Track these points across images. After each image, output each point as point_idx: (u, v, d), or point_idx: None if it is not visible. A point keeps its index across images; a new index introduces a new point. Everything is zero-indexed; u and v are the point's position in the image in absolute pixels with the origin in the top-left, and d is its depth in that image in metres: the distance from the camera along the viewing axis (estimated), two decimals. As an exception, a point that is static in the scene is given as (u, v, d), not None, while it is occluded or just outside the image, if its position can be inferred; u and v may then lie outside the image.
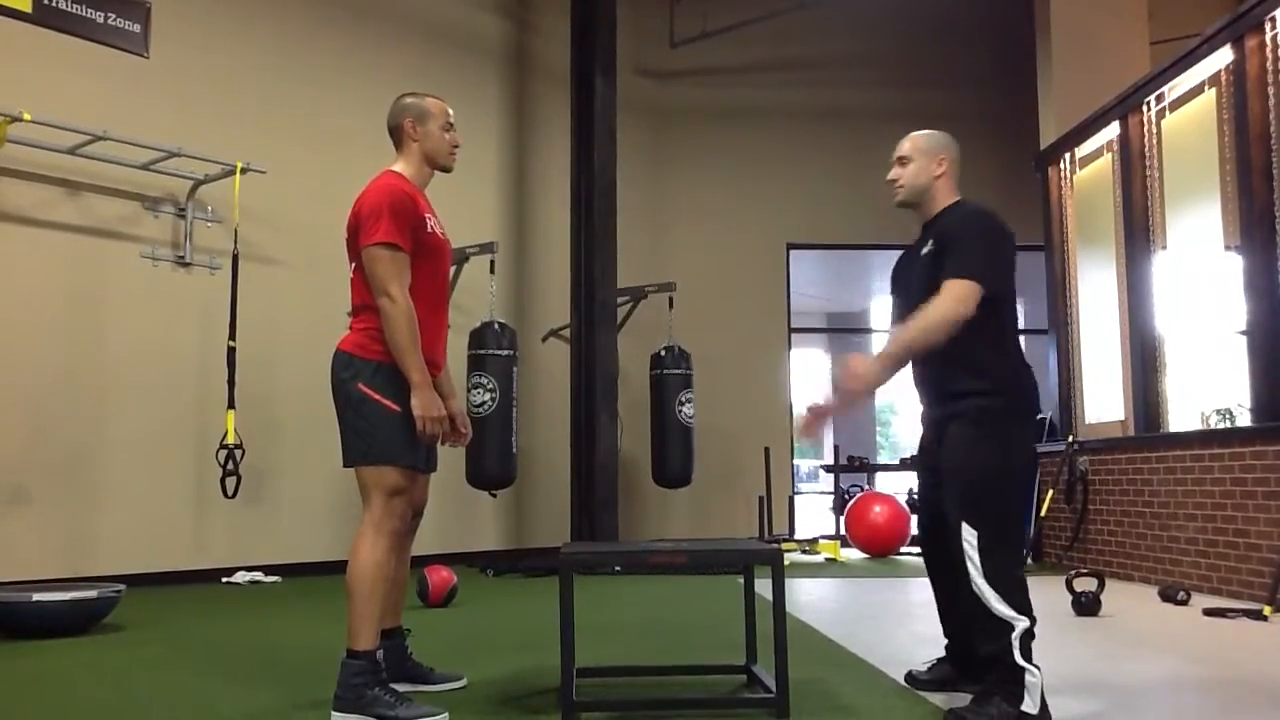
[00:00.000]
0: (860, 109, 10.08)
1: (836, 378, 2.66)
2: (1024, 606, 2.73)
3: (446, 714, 2.84)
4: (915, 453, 3.32)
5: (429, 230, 3.06)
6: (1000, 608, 2.70)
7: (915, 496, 3.41)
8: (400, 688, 3.02)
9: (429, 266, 3.08)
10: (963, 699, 3.00)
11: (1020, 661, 2.67)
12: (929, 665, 3.21)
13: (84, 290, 6.20)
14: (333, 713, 2.82)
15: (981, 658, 2.79)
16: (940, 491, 2.96)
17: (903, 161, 3.11)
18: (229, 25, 7.02)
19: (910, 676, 3.21)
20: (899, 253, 3.37)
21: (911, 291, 3.00)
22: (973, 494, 2.82)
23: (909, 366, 2.99)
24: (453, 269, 7.62)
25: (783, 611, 2.82)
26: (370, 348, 2.97)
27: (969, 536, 2.76)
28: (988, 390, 2.88)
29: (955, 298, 2.78)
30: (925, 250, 2.99)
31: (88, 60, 6.20)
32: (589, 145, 7.76)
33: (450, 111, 3.28)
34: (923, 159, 3.07)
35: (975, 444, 2.83)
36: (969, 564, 2.75)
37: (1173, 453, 5.90)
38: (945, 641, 3.21)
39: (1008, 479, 2.88)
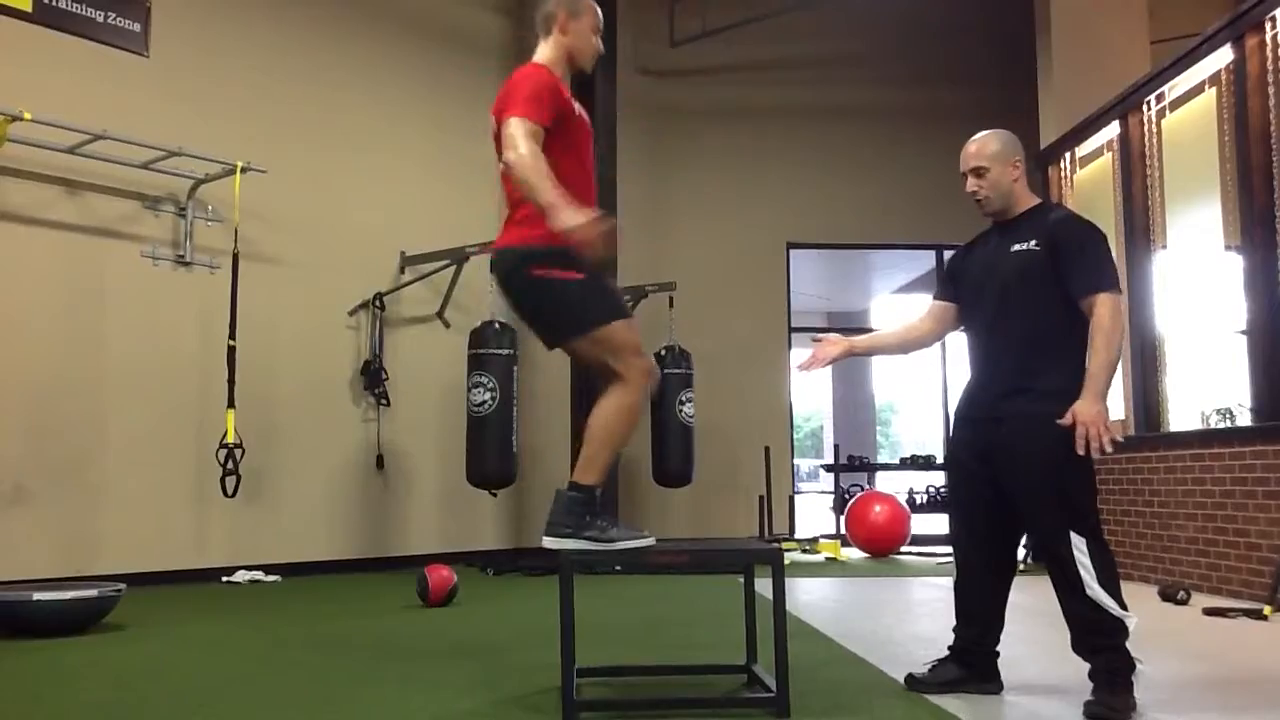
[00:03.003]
0: (861, 107, 10.08)
1: (1085, 428, 2.78)
2: (1126, 604, 2.86)
3: (654, 539, 2.94)
4: (958, 452, 3.21)
5: (578, 115, 3.02)
6: (1117, 609, 2.82)
7: (947, 497, 3.39)
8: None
9: (575, 155, 3.01)
10: (968, 699, 3.01)
11: (1135, 654, 2.84)
12: (930, 666, 3.20)
13: (84, 290, 6.20)
14: (545, 538, 2.91)
15: (1090, 654, 2.89)
16: (1002, 491, 3.02)
17: (979, 173, 3.12)
18: (229, 24, 7.01)
19: (911, 679, 3.19)
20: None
21: (996, 286, 3.08)
22: (1075, 503, 2.92)
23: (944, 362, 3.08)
24: (452, 269, 7.67)
25: (783, 611, 2.82)
26: (530, 234, 2.89)
27: (1079, 544, 2.85)
28: (1072, 391, 2.91)
29: (1116, 312, 2.92)
30: (1020, 248, 3.04)
31: (88, 59, 6.20)
32: (589, 144, 7.75)
33: (601, 17, 3.23)
34: (999, 165, 3.11)
35: (1070, 452, 2.84)
36: (1083, 572, 2.84)
37: (1173, 452, 5.90)
38: (950, 641, 3.21)
39: (1095, 483, 3.00)
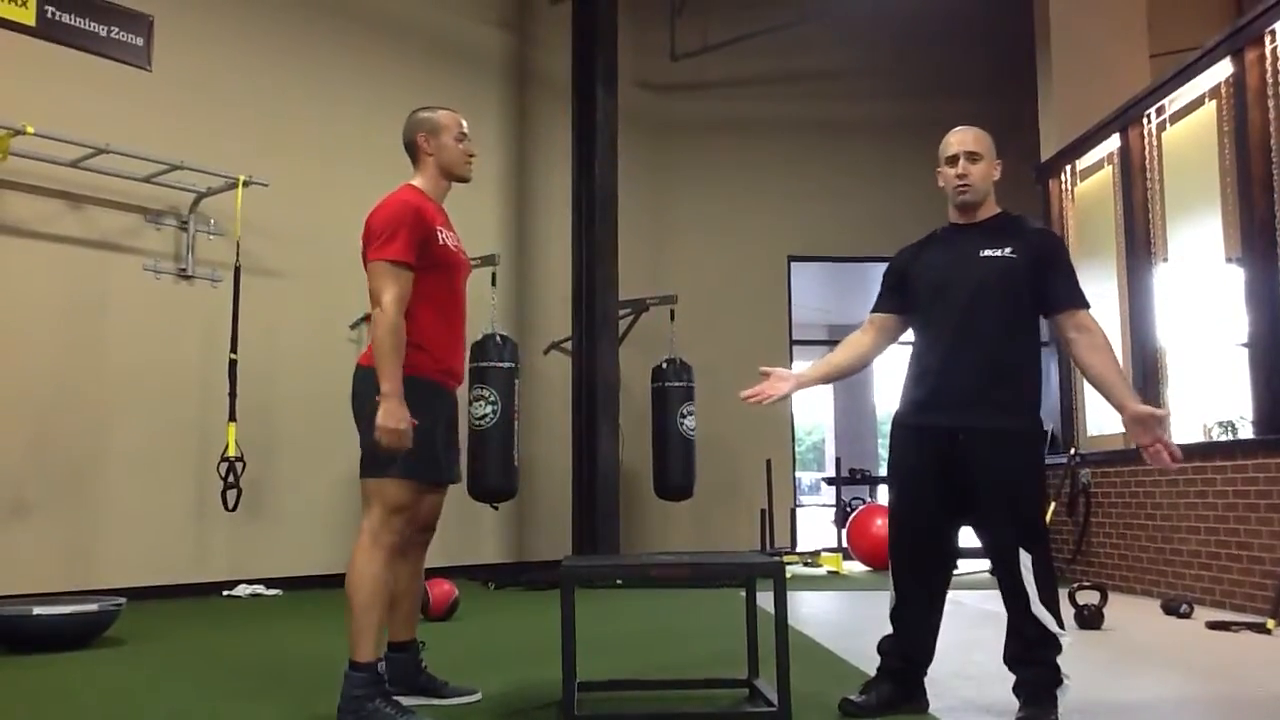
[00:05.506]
0: (860, 121, 10.10)
1: (1147, 433, 2.85)
2: (1062, 622, 2.87)
3: None
4: (907, 465, 3.07)
5: (440, 243, 3.05)
6: (1054, 627, 2.82)
7: (891, 511, 3.16)
8: (412, 700, 3.02)
9: (443, 280, 3.08)
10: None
11: (1065, 670, 2.86)
12: (863, 691, 3.04)
13: (86, 303, 6.21)
14: None
15: (1022, 666, 2.89)
16: (953, 508, 2.97)
17: (973, 158, 2.99)
18: (231, 39, 7.04)
19: (846, 704, 3.00)
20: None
21: (963, 291, 2.96)
22: (1030, 520, 2.91)
23: (929, 373, 3.02)
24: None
25: (785, 624, 2.81)
26: None
27: (1026, 562, 2.84)
28: (1033, 406, 2.92)
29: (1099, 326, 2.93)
30: (992, 254, 2.94)
31: (90, 73, 6.22)
32: (590, 157, 7.77)
33: (464, 122, 3.28)
34: (989, 158, 3.02)
35: (1029, 469, 2.87)
36: (1028, 589, 2.83)
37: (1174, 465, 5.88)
38: (882, 660, 3.10)
39: (1045, 501, 2.99)
